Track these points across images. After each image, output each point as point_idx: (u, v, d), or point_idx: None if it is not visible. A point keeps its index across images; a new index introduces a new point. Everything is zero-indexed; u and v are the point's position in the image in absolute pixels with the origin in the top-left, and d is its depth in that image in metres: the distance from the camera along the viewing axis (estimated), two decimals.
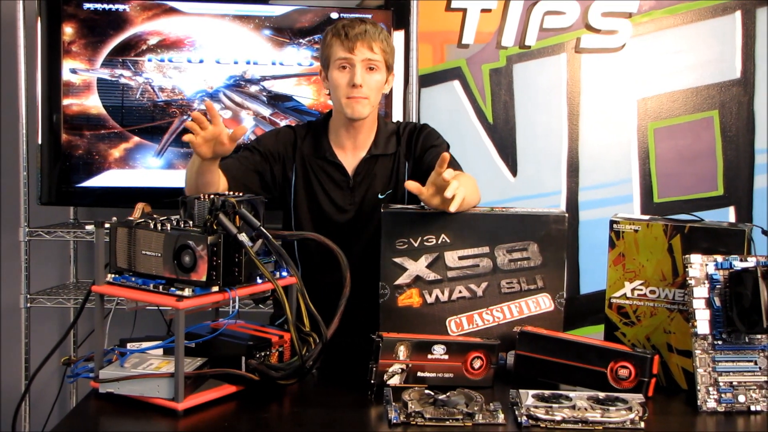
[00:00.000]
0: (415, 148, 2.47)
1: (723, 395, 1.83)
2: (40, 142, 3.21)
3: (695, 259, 1.88)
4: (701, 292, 1.86)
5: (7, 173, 3.54)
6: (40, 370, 2.03)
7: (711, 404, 1.82)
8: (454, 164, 2.42)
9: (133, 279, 1.82)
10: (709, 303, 1.86)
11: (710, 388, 1.83)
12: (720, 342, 1.85)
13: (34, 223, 3.31)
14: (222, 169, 2.24)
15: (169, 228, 1.80)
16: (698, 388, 1.83)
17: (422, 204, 2.12)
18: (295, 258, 2.42)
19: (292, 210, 2.44)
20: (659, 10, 3.49)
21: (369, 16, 3.28)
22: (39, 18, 3.18)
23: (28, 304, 3.29)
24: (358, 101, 2.35)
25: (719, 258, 1.88)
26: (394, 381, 1.88)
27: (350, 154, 2.46)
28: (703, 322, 1.85)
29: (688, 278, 1.87)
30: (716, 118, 3.49)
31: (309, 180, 2.44)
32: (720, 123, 3.49)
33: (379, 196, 2.42)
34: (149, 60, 3.24)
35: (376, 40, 2.35)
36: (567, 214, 2.16)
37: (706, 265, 1.88)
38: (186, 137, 2.08)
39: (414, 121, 3.32)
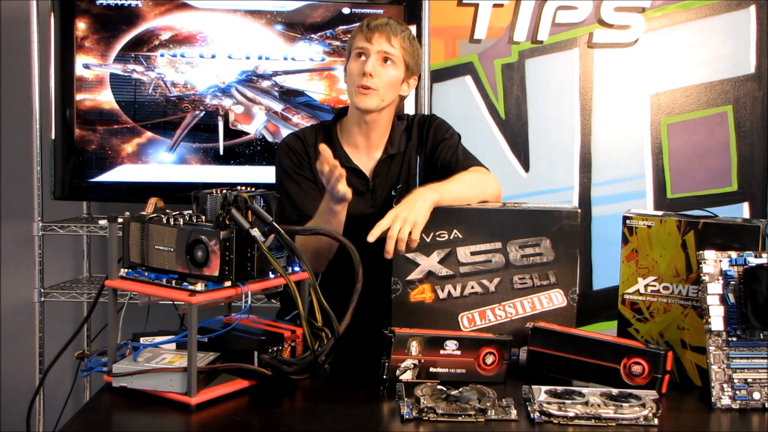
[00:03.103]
0: (426, 141, 2.45)
1: (737, 392, 1.82)
2: (53, 137, 3.23)
3: (709, 255, 1.87)
4: (715, 288, 1.85)
5: (21, 168, 3.55)
6: (54, 364, 2.03)
7: (725, 401, 1.81)
8: (465, 155, 2.42)
9: (146, 274, 1.82)
10: (724, 299, 1.85)
11: (724, 385, 1.82)
12: (734, 338, 1.84)
13: (48, 218, 3.32)
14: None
15: (181, 223, 1.80)
16: (712, 384, 1.82)
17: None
18: None
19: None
20: (672, 5, 3.47)
21: (381, 11, 3.28)
22: (52, 14, 3.19)
23: (42, 299, 3.31)
24: (366, 93, 2.32)
25: (733, 254, 1.87)
26: (407, 376, 1.88)
27: (364, 154, 2.44)
28: (717, 319, 1.84)
29: (702, 274, 1.86)
30: (730, 113, 3.47)
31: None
32: (734, 118, 3.47)
33: (392, 194, 2.40)
34: (161, 55, 3.24)
35: (396, 35, 2.32)
36: (579, 210, 2.15)
37: (720, 261, 1.86)
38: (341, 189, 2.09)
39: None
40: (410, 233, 2.04)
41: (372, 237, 2.02)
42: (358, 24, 2.41)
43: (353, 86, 2.34)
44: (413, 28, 3.29)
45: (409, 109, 3.30)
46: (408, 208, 2.06)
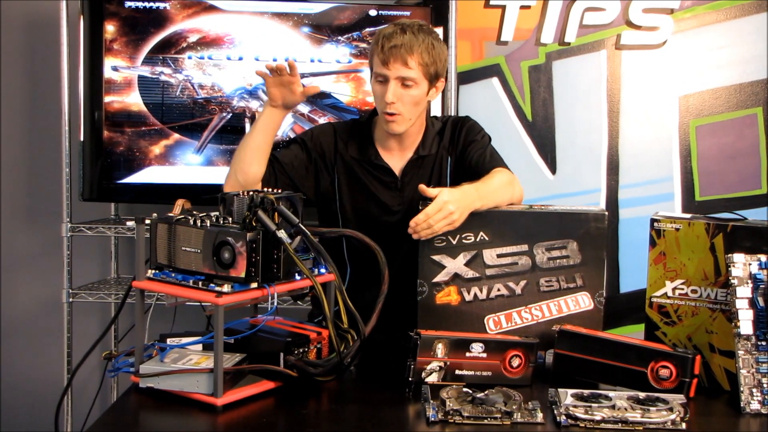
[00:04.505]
0: (457, 142, 2.45)
1: (767, 397, 1.80)
2: (82, 138, 3.25)
3: (738, 258, 1.85)
4: (744, 291, 1.83)
5: (50, 169, 3.59)
6: (82, 364, 2.05)
7: (755, 406, 1.80)
8: (493, 156, 2.41)
9: (173, 275, 1.83)
10: (753, 303, 1.83)
11: (754, 390, 1.80)
12: (764, 343, 1.82)
13: (76, 219, 3.35)
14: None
15: (208, 224, 1.81)
16: (741, 389, 1.81)
17: None
18: (344, 258, 2.42)
19: (339, 214, 2.43)
20: (702, 6, 3.44)
21: (407, 13, 3.28)
22: (81, 16, 3.22)
23: (70, 299, 3.33)
24: (393, 119, 2.31)
25: (763, 257, 1.85)
26: (432, 379, 1.88)
27: (397, 155, 2.44)
28: (746, 323, 1.82)
29: (730, 278, 1.85)
30: (760, 115, 3.44)
31: (354, 183, 2.42)
32: (764, 120, 3.44)
33: None
34: (189, 57, 3.26)
35: (412, 53, 2.25)
36: (607, 213, 2.14)
37: (750, 264, 1.85)
38: (259, 72, 2.29)
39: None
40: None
41: (413, 223, 2.07)
42: (382, 27, 2.36)
43: (380, 109, 2.35)
44: (440, 30, 3.29)
45: (435, 111, 3.30)
46: (457, 202, 2.06)
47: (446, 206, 2.04)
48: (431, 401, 1.73)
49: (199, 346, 1.91)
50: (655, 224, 2.04)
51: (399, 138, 2.41)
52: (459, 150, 2.43)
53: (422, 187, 2.10)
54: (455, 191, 2.09)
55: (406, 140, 2.42)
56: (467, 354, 1.90)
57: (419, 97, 2.32)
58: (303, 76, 3.29)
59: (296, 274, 1.84)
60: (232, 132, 3.29)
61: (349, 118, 2.61)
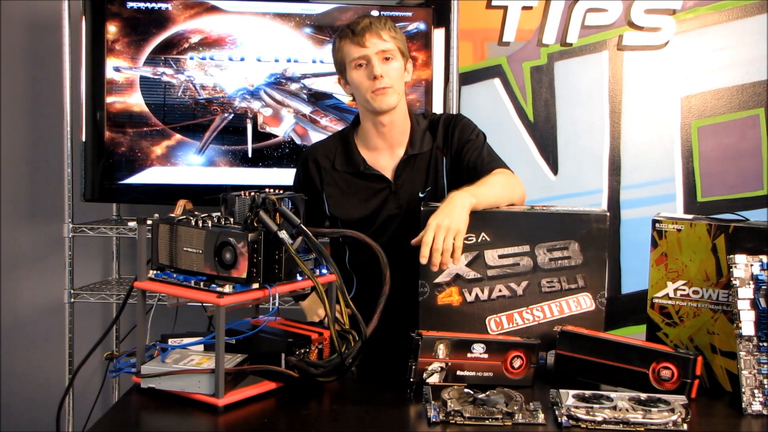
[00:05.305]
0: (451, 142, 2.43)
1: None
2: (84, 139, 3.26)
3: (740, 259, 1.85)
4: (746, 292, 1.83)
5: (51, 170, 3.59)
6: (84, 364, 2.05)
7: (756, 407, 1.79)
8: (491, 156, 2.40)
9: (175, 275, 1.83)
10: (754, 304, 1.83)
11: (755, 391, 1.80)
12: (765, 344, 1.82)
13: (78, 220, 3.35)
14: None
15: (210, 225, 1.81)
16: (743, 390, 1.80)
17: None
18: (346, 269, 2.43)
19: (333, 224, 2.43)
20: (704, 7, 3.44)
21: (409, 14, 3.28)
22: (84, 17, 3.22)
23: (72, 300, 3.34)
24: (384, 92, 2.32)
25: (765, 258, 1.85)
26: (434, 379, 1.88)
27: (386, 155, 2.42)
28: (747, 324, 1.82)
29: (732, 279, 1.84)
30: (762, 115, 3.44)
31: (349, 196, 2.41)
32: (766, 121, 3.44)
33: (420, 195, 2.40)
34: (191, 58, 3.26)
35: (383, 29, 2.32)
36: (608, 213, 2.14)
37: (751, 265, 1.85)
38: None
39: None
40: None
41: (423, 259, 2.00)
42: (337, 35, 2.39)
43: (366, 93, 2.34)
44: (442, 31, 3.30)
45: (437, 111, 3.30)
46: (448, 215, 2.04)
47: (435, 223, 2.02)
48: (432, 402, 1.73)
49: (201, 347, 1.91)
50: (657, 225, 2.03)
51: (385, 134, 2.40)
52: (454, 150, 2.41)
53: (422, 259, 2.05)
54: (436, 211, 2.08)
55: (392, 135, 2.41)
56: (468, 355, 1.90)
57: (401, 71, 2.36)
58: (305, 77, 3.30)
59: (298, 275, 1.84)
60: (234, 133, 3.30)
61: (329, 135, 2.58)
